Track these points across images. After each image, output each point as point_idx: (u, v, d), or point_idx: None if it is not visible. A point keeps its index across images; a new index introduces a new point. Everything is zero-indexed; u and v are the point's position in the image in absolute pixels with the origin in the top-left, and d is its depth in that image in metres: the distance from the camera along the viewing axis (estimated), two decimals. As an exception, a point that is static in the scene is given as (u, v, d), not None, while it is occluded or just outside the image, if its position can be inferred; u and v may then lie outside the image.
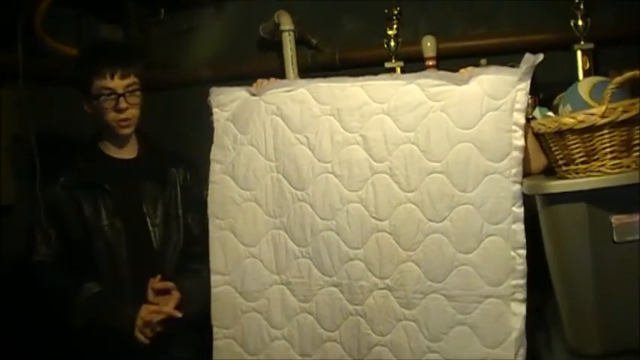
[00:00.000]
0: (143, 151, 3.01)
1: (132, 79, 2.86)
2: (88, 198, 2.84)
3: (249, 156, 2.84)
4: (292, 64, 3.51)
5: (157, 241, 2.92)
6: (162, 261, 2.92)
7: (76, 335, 2.80)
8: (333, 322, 2.72)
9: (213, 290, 2.82)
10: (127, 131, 2.90)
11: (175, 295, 2.82)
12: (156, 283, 2.83)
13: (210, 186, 2.87)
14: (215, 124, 2.90)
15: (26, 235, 2.85)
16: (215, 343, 2.82)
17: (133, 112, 2.88)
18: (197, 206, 3.00)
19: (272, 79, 2.90)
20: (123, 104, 2.83)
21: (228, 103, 2.90)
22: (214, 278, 2.83)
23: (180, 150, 3.24)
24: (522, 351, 2.47)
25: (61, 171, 2.88)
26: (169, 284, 2.83)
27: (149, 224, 2.92)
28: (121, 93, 2.82)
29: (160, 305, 2.79)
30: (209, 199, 2.86)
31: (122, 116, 2.85)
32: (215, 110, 2.91)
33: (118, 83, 2.82)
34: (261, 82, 2.90)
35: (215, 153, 2.88)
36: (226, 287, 2.82)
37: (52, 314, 2.86)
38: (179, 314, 2.79)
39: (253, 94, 2.88)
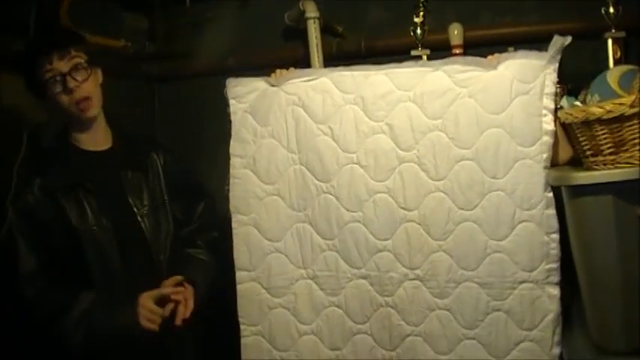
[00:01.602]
0: (118, 140, 2.89)
1: (73, 54, 2.69)
2: (70, 199, 2.69)
3: (270, 149, 2.87)
4: (317, 52, 3.53)
5: (148, 231, 2.82)
6: (157, 251, 2.83)
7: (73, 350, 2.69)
8: (362, 314, 2.79)
9: (239, 287, 2.87)
10: (90, 113, 2.74)
11: (189, 289, 2.77)
12: (168, 288, 2.73)
13: (232, 181, 2.89)
14: (232, 117, 2.92)
15: (8, 246, 2.67)
16: (243, 340, 2.87)
17: (88, 89, 2.71)
18: (180, 190, 2.98)
19: (291, 69, 2.93)
20: (71, 83, 2.66)
21: (245, 95, 2.92)
22: (239, 274, 2.87)
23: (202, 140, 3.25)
24: (559, 330, 2.58)
25: (37, 171, 2.72)
26: (178, 278, 2.76)
27: (137, 216, 2.82)
28: (65, 72, 2.66)
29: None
30: (231, 194, 2.89)
31: (77, 96, 2.68)
32: (232, 102, 2.92)
33: (59, 64, 2.66)
34: (280, 73, 2.92)
35: (234, 147, 2.90)
36: (252, 284, 2.87)
37: (46, 330, 2.69)
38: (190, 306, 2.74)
39: (272, 85, 2.91)
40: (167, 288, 2.71)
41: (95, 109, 2.76)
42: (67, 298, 2.66)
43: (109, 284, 2.70)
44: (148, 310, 2.64)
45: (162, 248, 2.85)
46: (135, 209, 2.81)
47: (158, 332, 2.64)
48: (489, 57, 2.71)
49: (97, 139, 2.83)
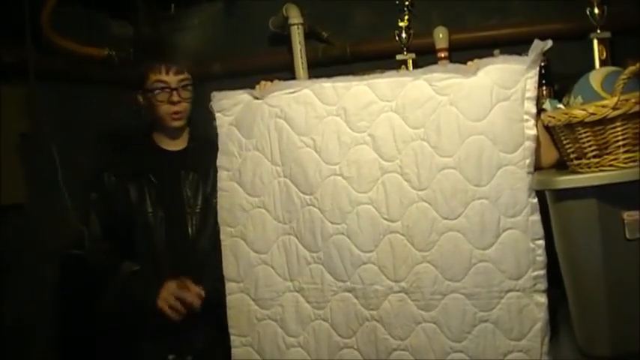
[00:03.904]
0: (193, 142, 3.26)
1: (185, 75, 3.16)
2: (135, 186, 3.14)
3: (255, 161, 2.91)
4: (301, 58, 3.59)
5: (193, 229, 3.14)
6: (195, 250, 3.12)
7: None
8: (348, 328, 2.79)
9: (228, 297, 2.91)
10: (177, 124, 3.19)
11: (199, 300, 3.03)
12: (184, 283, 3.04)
13: (219, 193, 2.95)
14: (219, 130, 2.97)
15: (81, 219, 3.19)
16: (233, 350, 2.91)
17: (185, 106, 3.17)
18: None
19: (275, 81, 2.96)
20: (176, 98, 3.13)
21: (230, 108, 2.96)
22: (228, 285, 2.92)
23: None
24: (547, 340, 2.56)
25: (113, 160, 3.24)
26: (201, 294, 3.03)
27: (187, 214, 3.15)
28: (174, 87, 3.12)
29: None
30: (218, 207, 2.95)
31: (175, 109, 3.14)
32: (218, 115, 2.97)
33: (172, 78, 3.13)
34: (265, 85, 2.96)
35: (221, 160, 2.95)
36: (241, 295, 2.91)
37: (92, 289, 3.15)
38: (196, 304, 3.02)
39: (256, 97, 2.94)
40: (188, 282, 3.03)
41: (183, 121, 3.20)
42: (113, 261, 3.10)
43: (148, 263, 3.08)
44: (169, 293, 2.98)
45: (202, 248, 3.12)
46: (187, 208, 3.16)
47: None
48: (469, 63, 2.71)
49: (173, 140, 3.25)
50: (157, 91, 3.12)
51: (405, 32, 3.47)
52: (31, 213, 3.20)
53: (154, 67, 3.14)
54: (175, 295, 2.97)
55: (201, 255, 3.11)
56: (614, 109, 2.28)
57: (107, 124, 3.63)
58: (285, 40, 3.71)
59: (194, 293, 3.00)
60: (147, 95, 3.16)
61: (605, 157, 2.37)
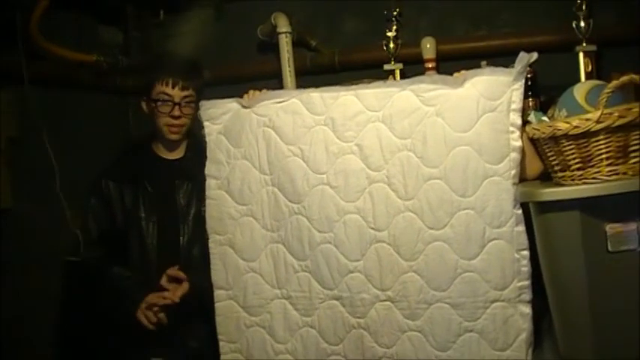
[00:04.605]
0: (190, 152, 3.30)
1: (190, 92, 3.19)
2: (130, 192, 3.21)
3: (243, 170, 2.92)
4: (289, 66, 3.60)
5: (184, 238, 3.19)
6: (187, 259, 3.15)
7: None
8: (336, 335, 2.81)
9: (217, 305, 2.93)
10: (174, 137, 3.23)
11: (184, 286, 3.07)
12: (171, 270, 3.10)
13: (207, 202, 2.96)
14: (207, 138, 2.98)
15: (81, 221, 3.26)
16: (222, 357, 2.93)
17: (184, 121, 3.21)
18: None
19: (264, 90, 2.97)
20: (177, 112, 3.18)
21: (219, 116, 2.98)
22: (217, 293, 2.93)
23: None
24: (531, 350, 2.57)
25: (112, 166, 3.30)
26: (182, 275, 3.09)
27: (180, 222, 3.20)
28: (177, 102, 3.17)
29: (168, 292, 3.06)
30: (207, 215, 2.96)
31: (174, 122, 3.19)
32: (206, 124, 2.99)
33: (176, 93, 3.17)
34: (253, 94, 2.97)
35: (210, 168, 2.96)
36: (229, 302, 2.93)
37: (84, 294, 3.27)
38: (176, 300, 3.06)
39: (244, 106, 2.95)
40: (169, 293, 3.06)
41: (180, 135, 3.25)
42: (108, 267, 3.18)
43: (138, 268, 3.17)
44: (147, 306, 3.04)
45: (193, 256, 3.17)
46: (180, 216, 3.20)
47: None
48: (456, 74, 2.70)
49: (171, 149, 3.31)
50: (159, 103, 3.17)
51: (393, 42, 3.47)
52: (18, 217, 3.19)
53: (161, 79, 3.18)
54: (150, 304, 3.05)
55: (192, 262, 3.12)
56: (598, 122, 2.30)
57: (94, 130, 3.66)
58: (274, 49, 3.72)
59: (171, 299, 3.06)
60: (150, 104, 3.20)
61: (589, 169, 2.38)
